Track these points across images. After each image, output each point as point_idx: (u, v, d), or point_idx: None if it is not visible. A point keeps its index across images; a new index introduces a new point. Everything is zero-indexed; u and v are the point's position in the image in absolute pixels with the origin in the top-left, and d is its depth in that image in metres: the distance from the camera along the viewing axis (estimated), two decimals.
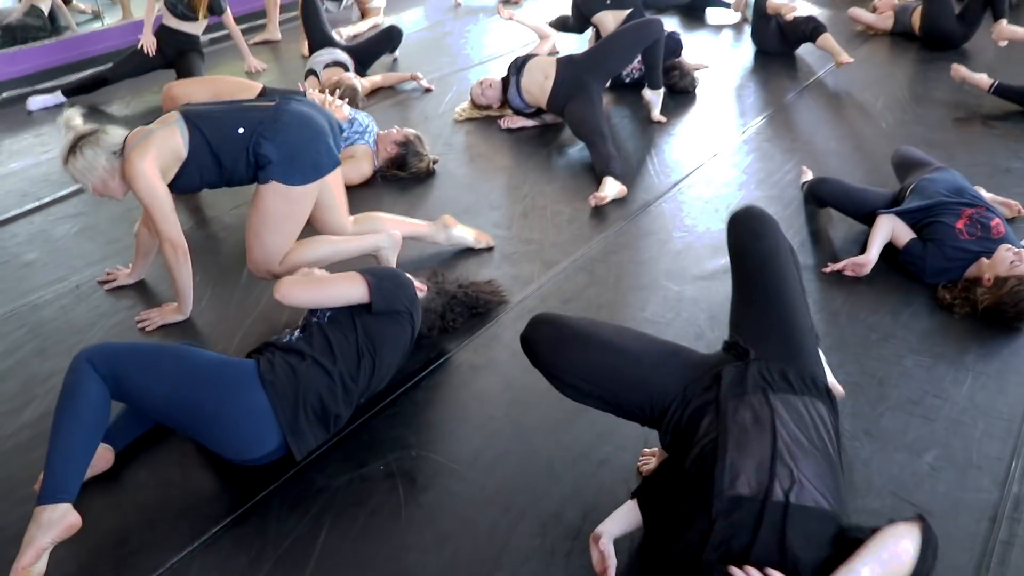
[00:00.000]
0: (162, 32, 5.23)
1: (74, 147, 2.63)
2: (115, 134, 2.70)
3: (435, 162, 4.02)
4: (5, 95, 5.59)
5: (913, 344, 2.60)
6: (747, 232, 1.98)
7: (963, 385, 2.43)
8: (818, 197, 3.31)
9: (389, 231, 2.99)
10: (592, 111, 4.00)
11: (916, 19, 5.50)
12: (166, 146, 2.64)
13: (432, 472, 2.19)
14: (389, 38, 5.61)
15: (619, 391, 1.85)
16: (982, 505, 2.01)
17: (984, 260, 2.76)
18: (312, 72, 5.12)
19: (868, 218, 3.12)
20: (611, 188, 3.56)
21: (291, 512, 2.08)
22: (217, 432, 2.09)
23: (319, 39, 5.39)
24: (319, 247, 2.87)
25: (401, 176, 3.89)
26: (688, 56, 5.09)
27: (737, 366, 1.79)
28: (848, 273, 2.94)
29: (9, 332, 2.89)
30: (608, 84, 4.74)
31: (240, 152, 2.70)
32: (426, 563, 1.93)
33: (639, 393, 1.83)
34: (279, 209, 2.75)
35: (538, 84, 4.27)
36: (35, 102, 5.23)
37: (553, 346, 1.88)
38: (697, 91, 4.89)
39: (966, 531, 1.94)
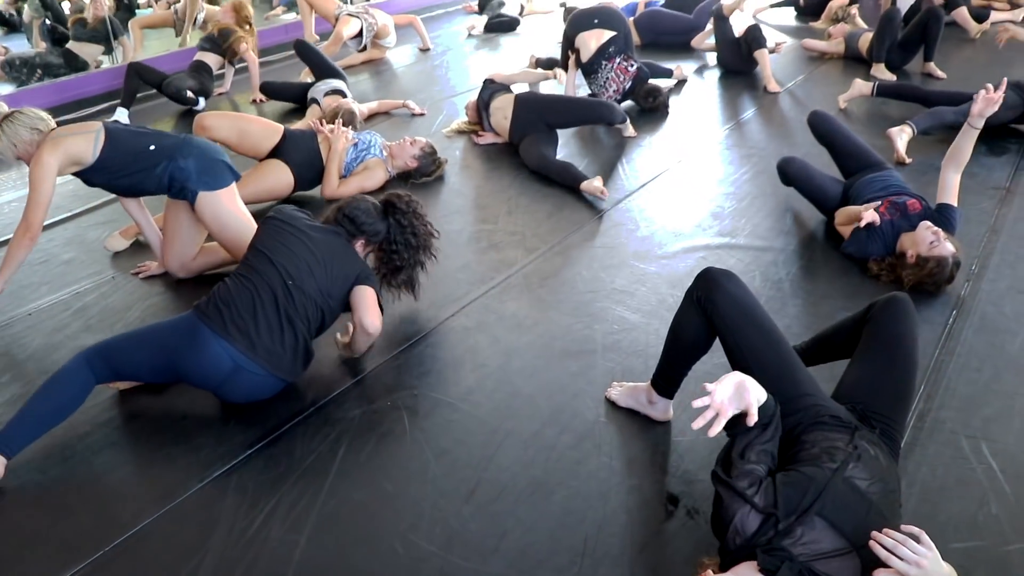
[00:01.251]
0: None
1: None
2: (36, 114, 3.14)
3: (446, 161, 4.53)
4: None
5: (844, 303, 3.01)
6: (898, 315, 2.15)
7: None
8: (785, 175, 3.74)
9: None
10: (537, 150, 4.45)
11: (863, 44, 6.05)
12: (72, 151, 3.08)
13: (431, 405, 2.58)
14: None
15: (768, 370, 1.97)
16: None
17: (905, 235, 3.17)
18: (314, 101, 5.58)
19: (823, 207, 3.57)
20: (597, 182, 4.01)
21: (313, 437, 2.46)
22: (178, 359, 2.45)
23: (322, 69, 5.85)
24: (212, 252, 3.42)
25: (425, 180, 4.36)
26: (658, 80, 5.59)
27: (868, 436, 1.90)
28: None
29: (56, 315, 3.27)
30: None
31: (150, 167, 3.12)
32: (427, 471, 2.31)
33: (780, 384, 1.94)
34: (220, 213, 3.18)
35: (498, 121, 4.82)
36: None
37: (735, 298, 2.11)
38: (669, 108, 5.36)
39: None
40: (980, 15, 7.00)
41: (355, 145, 4.32)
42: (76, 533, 2.14)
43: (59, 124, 3.21)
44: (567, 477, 2.25)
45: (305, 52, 5.95)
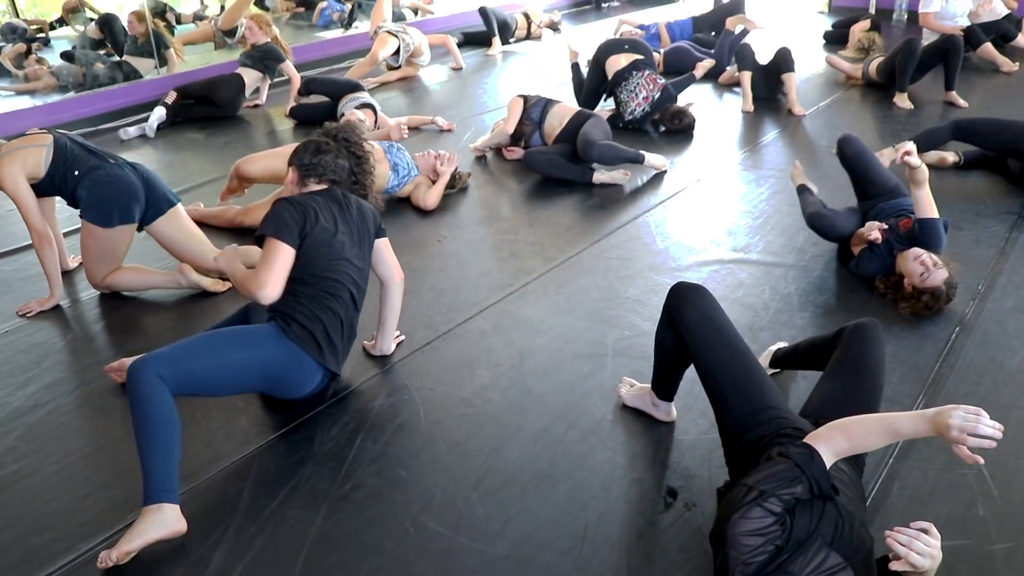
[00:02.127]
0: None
1: None
2: None
3: (469, 175, 4.69)
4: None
5: (849, 316, 3.09)
6: (864, 340, 2.26)
7: (888, 345, 2.92)
8: (844, 153, 3.74)
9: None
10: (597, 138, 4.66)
11: (873, 69, 6.23)
12: (29, 162, 3.31)
13: (446, 400, 2.71)
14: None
15: (734, 384, 2.07)
16: None
17: (899, 256, 3.22)
18: (341, 114, 5.77)
19: (865, 193, 3.69)
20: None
21: (333, 425, 2.59)
22: (280, 384, 2.58)
23: (344, 89, 6.03)
24: (131, 275, 3.52)
25: (448, 192, 4.49)
26: (683, 101, 5.72)
27: None
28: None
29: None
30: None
31: (70, 188, 3.37)
32: (438, 459, 2.43)
33: (745, 397, 2.04)
34: (90, 243, 3.40)
35: (552, 127, 4.96)
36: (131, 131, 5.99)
37: (702, 314, 2.18)
38: (695, 129, 5.49)
39: None
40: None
41: (395, 171, 4.35)
42: (109, 504, 2.29)
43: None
44: (572, 469, 2.36)
45: (315, 87, 6.15)
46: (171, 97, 6.17)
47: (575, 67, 6.16)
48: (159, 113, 6.07)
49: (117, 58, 7.10)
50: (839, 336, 2.34)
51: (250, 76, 6.38)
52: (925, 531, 1.68)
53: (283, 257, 2.47)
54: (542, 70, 7.56)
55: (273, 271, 2.44)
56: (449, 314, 3.25)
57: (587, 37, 8.05)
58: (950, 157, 4.59)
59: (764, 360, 2.79)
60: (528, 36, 9.14)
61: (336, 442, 2.52)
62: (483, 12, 8.66)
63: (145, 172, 3.47)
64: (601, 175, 4.56)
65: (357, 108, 5.74)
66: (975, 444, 1.63)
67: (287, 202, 2.55)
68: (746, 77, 5.98)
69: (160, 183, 3.50)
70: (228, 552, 2.11)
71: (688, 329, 2.18)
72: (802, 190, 3.74)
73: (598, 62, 5.74)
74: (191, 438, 2.52)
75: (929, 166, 4.47)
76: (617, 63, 5.57)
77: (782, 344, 2.84)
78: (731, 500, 1.71)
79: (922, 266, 3.09)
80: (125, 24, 7.19)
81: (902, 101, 5.86)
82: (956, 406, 1.68)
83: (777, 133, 5.46)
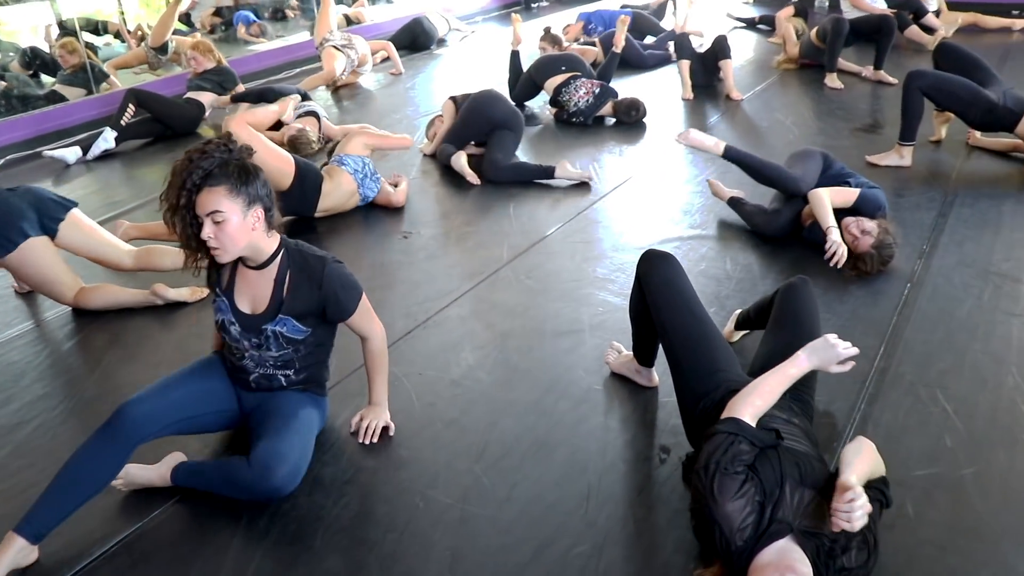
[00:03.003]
0: None
1: None
2: None
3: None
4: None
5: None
6: (794, 296, 2.47)
7: (847, 304, 3.11)
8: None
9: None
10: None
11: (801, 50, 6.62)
12: None
13: (436, 383, 2.79)
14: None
15: (687, 345, 2.22)
16: (858, 373, 2.64)
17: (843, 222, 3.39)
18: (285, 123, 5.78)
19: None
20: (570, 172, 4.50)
21: (343, 406, 2.64)
22: None
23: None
24: (102, 296, 3.49)
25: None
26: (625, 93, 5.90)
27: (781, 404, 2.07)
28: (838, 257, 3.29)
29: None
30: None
31: None
32: (438, 438, 2.51)
33: (697, 359, 2.20)
34: (18, 273, 3.44)
35: None
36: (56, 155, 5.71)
37: (664, 279, 2.32)
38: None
39: (847, 388, 2.58)
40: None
41: (362, 183, 4.31)
42: (104, 518, 2.32)
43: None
44: (568, 436, 2.47)
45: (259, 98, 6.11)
46: (129, 112, 5.95)
47: (515, 55, 6.24)
48: (108, 138, 5.81)
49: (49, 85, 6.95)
50: (775, 296, 2.54)
51: (207, 98, 6.37)
52: (852, 500, 1.73)
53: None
54: (476, 69, 7.68)
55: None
56: (426, 304, 3.33)
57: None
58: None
59: (731, 323, 2.94)
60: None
61: (334, 431, 2.58)
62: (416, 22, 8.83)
63: (27, 189, 3.40)
64: (562, 172, 4.56)
65: (301, 116, 5.76)
66: (838, 370, 1.99)
67: None
68: (684, 65, 6.17)
69: (48, 194, 3.43)
70: (245, 540, 2.16)
71: (651, 291, 2.33)
72: (733, 202, 3.90)
73: (534, 80, 5.92)
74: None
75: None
76: (555, 82, 5.76)
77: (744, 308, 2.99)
78: (698, 490, 1.84)
79: (850, 235, 3.30)
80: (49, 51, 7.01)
81: (832, 81, 6.12)
82: (815, 343, 1.99)
83: (718, 117, 5.66)
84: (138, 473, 2.34)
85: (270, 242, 2.29)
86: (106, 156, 5.80)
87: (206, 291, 3.46)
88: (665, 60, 7.16)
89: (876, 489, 1.90)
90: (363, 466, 2.41)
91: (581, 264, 3.59)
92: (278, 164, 3.94)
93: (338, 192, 4.20)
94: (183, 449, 2.42)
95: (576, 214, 4.14)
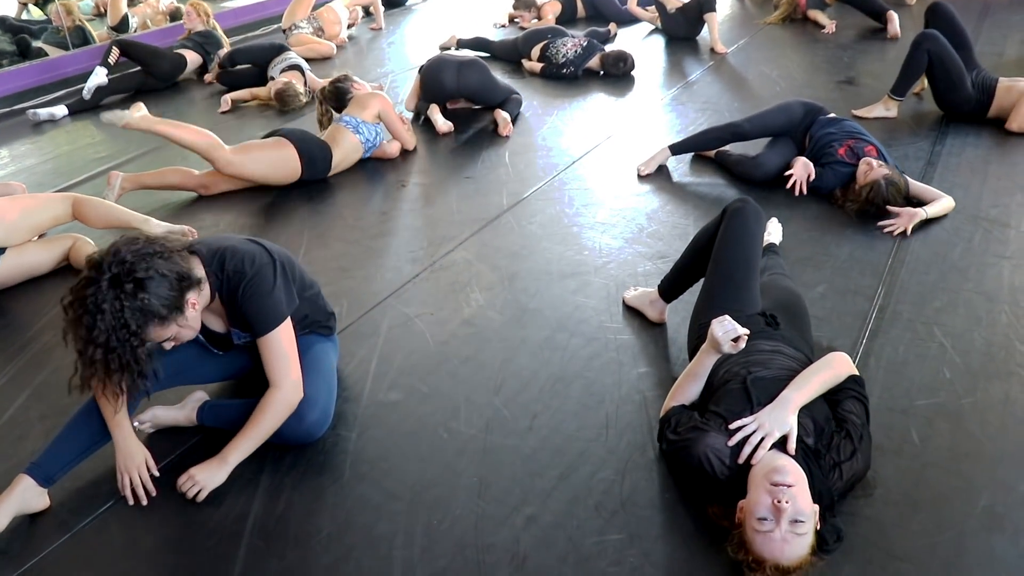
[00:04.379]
0: None
1: None
2: None
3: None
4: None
5: (808, 225, 3.36)
6: (728, 223, 2.49)
7: (844, 248, 3.20)
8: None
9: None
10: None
11: None
12: None
13: (448, 322, 2.85)
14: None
15: (732, 288, 2.37)
16: (859, 312, 2.76)
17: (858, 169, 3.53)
18: (271, 78, 5.74)
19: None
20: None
21: (343, 356, 2.68)
22: None
23: (269, 53, 5.96)
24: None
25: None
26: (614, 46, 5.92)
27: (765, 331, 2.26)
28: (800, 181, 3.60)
29: None
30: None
31: None
32: (456, 373, 2.57)
33: (730, 295, 2.35)
34: None
35: None
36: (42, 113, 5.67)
37: (747, 224, 2.45)
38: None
39: (848, 325, 2.68)
40: None
41: (366, 136, 4.29)
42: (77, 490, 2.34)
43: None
44: (583, 370, 2.54)
45: (240, 57, 6.05)
46: (114, 56, 5.95)
47: (458, 45, 6.46)
48: (99, 74, 5.83)
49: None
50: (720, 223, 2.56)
51: (191, 57, 6.32)
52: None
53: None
54: (452, 22, 7.64)
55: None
56: (430, 248, 3.37)
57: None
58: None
59: None
60: None
61: (351, 370, 2.62)
62: None
63: None
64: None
65: (286, 71, 5.72)
66: (730, 349, 2.02)
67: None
68: (713, 19, 6.16)
69: None
70: (272, 475, 2.20)
71: (732, 227, 2.43)
72: (720, 156, 4.00)
73: (520, 52, 6.02)
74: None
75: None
76: (540, 46, 5.86)
77: None
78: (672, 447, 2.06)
79: (867, 165, 3.44)
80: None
81: (818, 17, 6.38)
82: (712, 331, 2.05)
83: (703, 70, 5.71)
84: (163, 414, 2.37)
85: (206, 292, 2.12)
86: (88, 112, 5.74)
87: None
88: (606, 35, 6.70)
89: (849, 389, 2.07)
90: (385, 401, 2.47)
91: (580, 209, 3.65)
92: (282, 165, 3.97)
93: (344, 152, 4.20)
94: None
95: (571, 163, 4.19)
